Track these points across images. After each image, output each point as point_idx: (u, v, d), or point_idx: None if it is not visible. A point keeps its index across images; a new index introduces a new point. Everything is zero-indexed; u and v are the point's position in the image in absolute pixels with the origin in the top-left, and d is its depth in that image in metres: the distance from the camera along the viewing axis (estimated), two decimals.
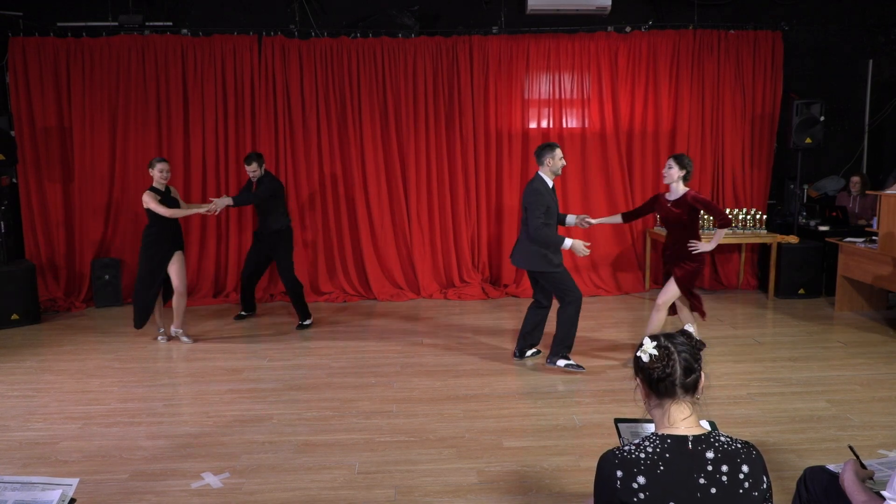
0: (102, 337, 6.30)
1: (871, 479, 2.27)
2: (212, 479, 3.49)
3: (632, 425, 2.41)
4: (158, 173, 5.74)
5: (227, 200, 6.11)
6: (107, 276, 7.41)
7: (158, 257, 5.78)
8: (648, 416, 1.99)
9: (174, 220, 5.85)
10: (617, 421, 2.46)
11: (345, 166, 7.70)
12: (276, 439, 3.98)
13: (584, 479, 3.41)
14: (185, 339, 6.03)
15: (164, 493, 3.36)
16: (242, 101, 7.54)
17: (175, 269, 5.84)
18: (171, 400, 4.66)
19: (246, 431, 4.10)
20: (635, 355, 1.91)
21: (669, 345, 1.86)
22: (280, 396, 4.69)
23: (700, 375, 1.87)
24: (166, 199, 5.79)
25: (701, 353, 1.89)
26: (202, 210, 5.95)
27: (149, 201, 5.66)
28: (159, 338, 6.07)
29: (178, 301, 5.94)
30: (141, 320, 5.93)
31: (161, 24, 7.50)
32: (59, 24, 7.39)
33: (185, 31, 7.49)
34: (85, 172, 7.48)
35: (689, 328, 1.95)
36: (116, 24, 7.34)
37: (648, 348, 1.86)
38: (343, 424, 4.19)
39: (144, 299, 5.87)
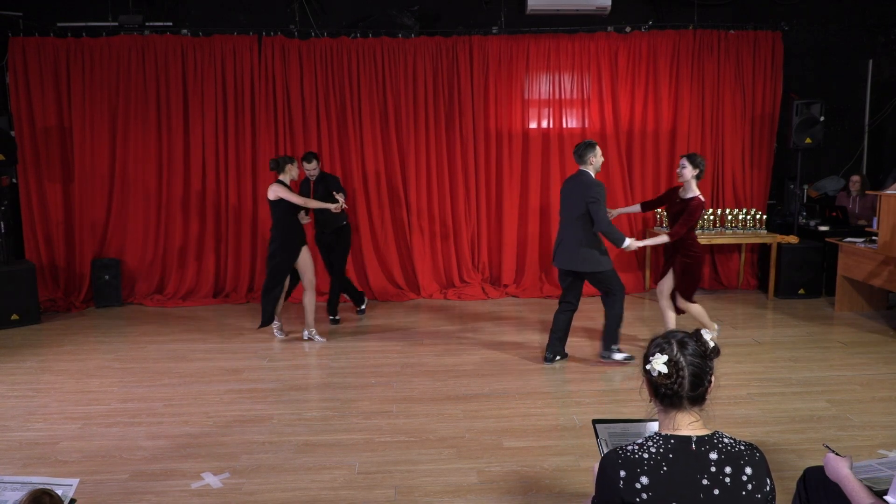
0: (102, 337, 6.30)
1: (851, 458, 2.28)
2: (212, 480, 3.49)
3: (610, 426, 2.39)
4: (297, 170, 5.85)
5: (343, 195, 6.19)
6: (107, 277, 7.41)
7: (294, 253, 5.81)
8: (629, 417, 1.97)
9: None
10: (595, 422, 2.45)
11: (344, 166, 7.70)
12: (276, 439, 3.98)
13: (584, 479, 3.42)
14: (318, 338, 6.05)
15: (164, 494, 3.36)
16: (242, 101, 7.54)
17: (306, 265, 5.87)
18: (171, 400, 4.66)
19: (246, 431, 4.10)
20: (644, 367, 1.87)
21: (681, 359, 1.81)
22: (280, 397, 4.69)
23: (708, 388, 1.84)
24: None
25: (713, 362, 1.84)
26: (331, 207, 5.96)
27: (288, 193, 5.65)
28: (276, 332, 6.13)
29: (309, 298, 5.94)
30: (270, 318, 5.90)
31: (161, 24, 7.50)
32: (59, 24, 7.39)
33: (185, 31, 7.49)
34: (85, 172, 7.48)
35: (708, 333, 1.89)
36: (116, 24, 7.34)
37: (658, 365, 1.81)
38: (343, 424, 4.19)
39: (276, 296, 5.87)
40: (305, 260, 5.85)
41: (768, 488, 1.79)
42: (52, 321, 6.87)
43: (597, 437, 2.37)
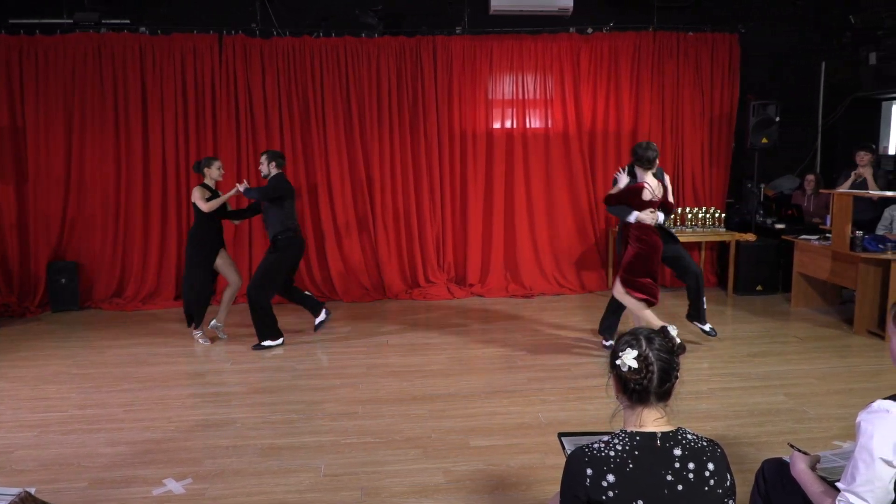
0: (59, 342, 6.14)
1: (818, 463, 2.33)
2: (174, 486, 3.43)
3: (577, 439, 2.41)
4: (217, 171, 5.91)
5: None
6: (63, 280, 7.22)
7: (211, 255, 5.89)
8: (593, 420, 1.99)
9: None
10: (561, 435, 2.48)
11: (308, 167, 7.63)
12: (240, 443, 3.93)
13: (550, 477, 3.44)
14: (221, 335, 6.13)
15: (124, 501, 3.29)
16: (203, 101, 7.42)
17: (227, 265, 5.97)
18: (131, 405, 4.56)
19: (209, 436, 4.04)
20: (613, 362, 1.88)
21: (650, 354, 1.83)
22: (244, 400, 4.63)
23: (674, 384, 1.86)
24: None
25: (679, 358, 1.87)
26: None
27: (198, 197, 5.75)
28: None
29: (230, 294, 6.08)
30: (200, 317, 5.98)
31: (118, 21, 7.33)
32: (10, 20, 7.17)
33: (143, 29, 7.34)
34: (40, 174, 7.28)
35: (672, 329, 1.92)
36: (71, 21, 7.15)
37: (628, 360, 1.83)
38: (308, 427, 4.16)
39: (206, 297, 5.94)
40: (227, 259, 6.03)
41: (729, 483, 1.83)
42: (6, 327, 6.67)
43: (564, 449, 2.38)
